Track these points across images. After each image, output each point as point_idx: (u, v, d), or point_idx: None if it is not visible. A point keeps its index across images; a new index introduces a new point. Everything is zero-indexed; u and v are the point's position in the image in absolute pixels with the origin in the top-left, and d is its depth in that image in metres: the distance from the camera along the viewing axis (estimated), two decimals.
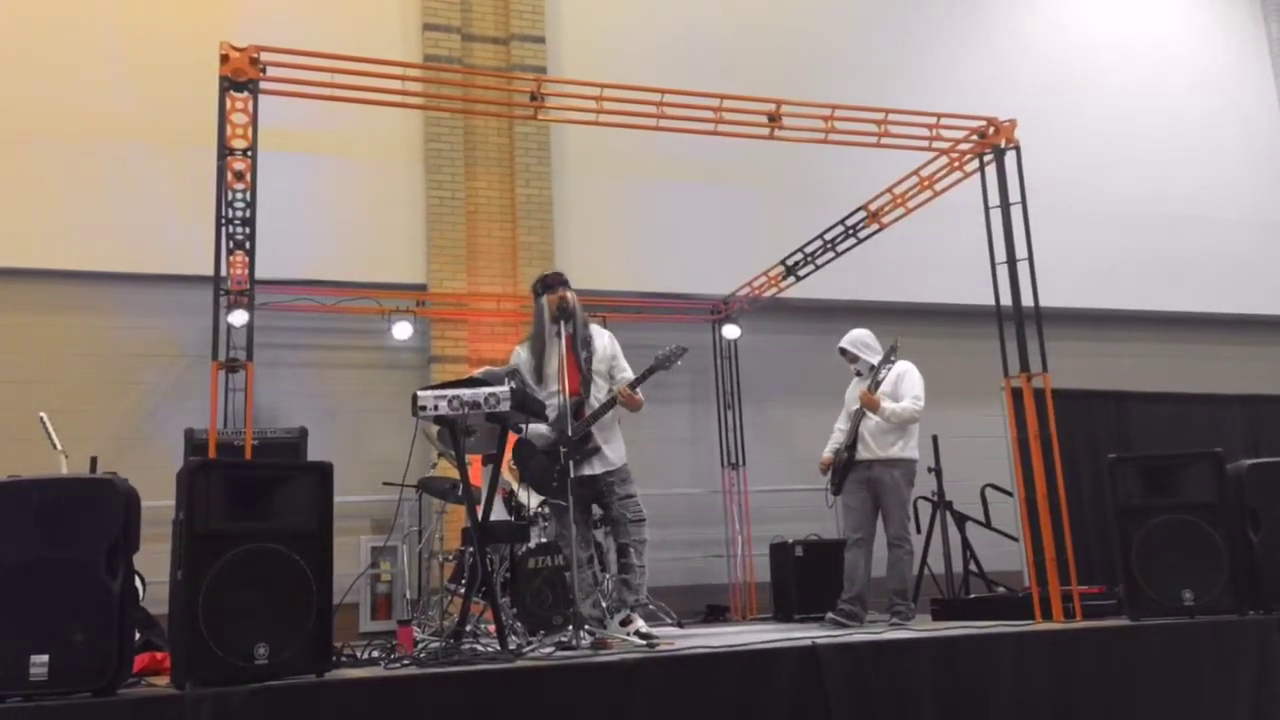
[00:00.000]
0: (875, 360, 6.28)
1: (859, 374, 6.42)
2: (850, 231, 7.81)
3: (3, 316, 7.88)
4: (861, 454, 6.18)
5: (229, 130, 5.32)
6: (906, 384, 6.18)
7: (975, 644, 4.36)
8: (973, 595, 7.26)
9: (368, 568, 7.91)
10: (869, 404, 6.10)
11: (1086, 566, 5.98)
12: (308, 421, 7.33)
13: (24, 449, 6.45)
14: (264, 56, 5.35)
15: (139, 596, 3.92)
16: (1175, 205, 11.11)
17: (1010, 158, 6.16)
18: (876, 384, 6.14)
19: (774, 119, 6.20)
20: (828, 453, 6.46)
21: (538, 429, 5.24)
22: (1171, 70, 11.55)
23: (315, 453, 6.68)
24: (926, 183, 6.96)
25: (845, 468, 6.25)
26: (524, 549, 5.52)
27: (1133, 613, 4.95)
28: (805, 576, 7.56)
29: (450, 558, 6.51)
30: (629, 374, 5.43)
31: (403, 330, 8.47)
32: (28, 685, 3.21)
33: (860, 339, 6.43)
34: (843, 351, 6.45)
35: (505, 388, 4.37)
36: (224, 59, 5.27)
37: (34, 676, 3.22)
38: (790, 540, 7.82)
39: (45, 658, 3.23)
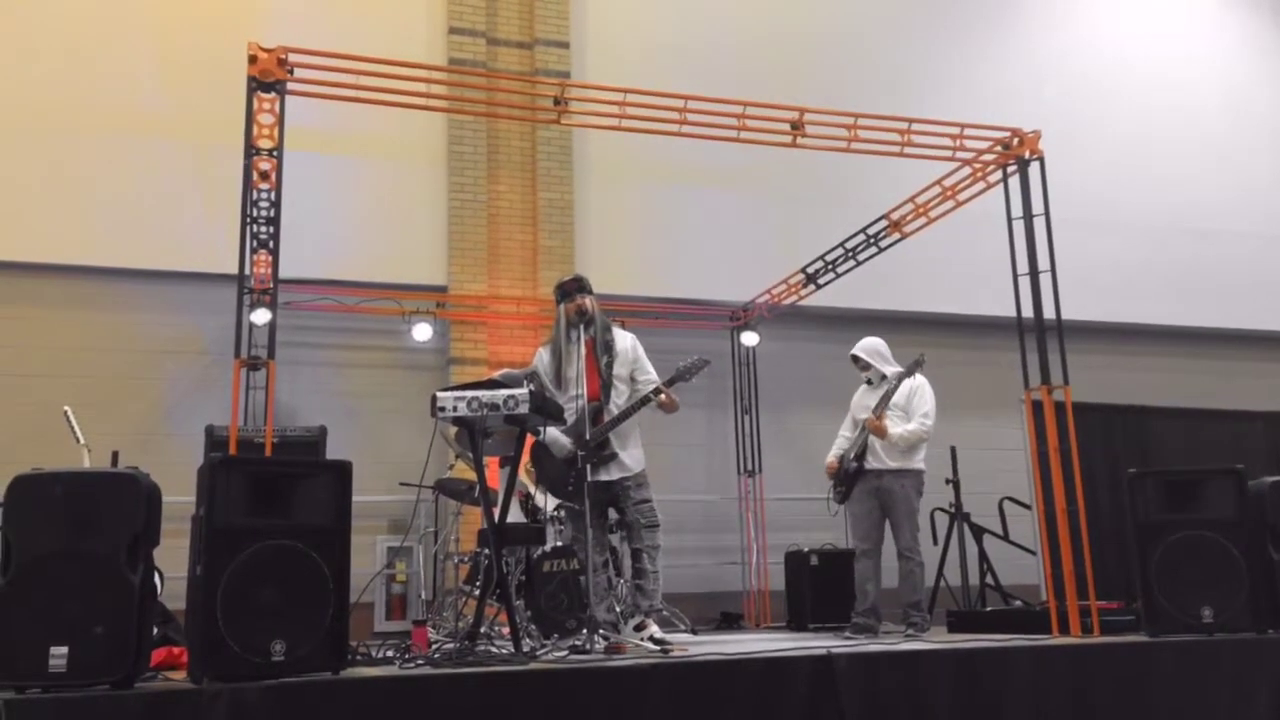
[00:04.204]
0: (888, 370, 6.25)
1: (869, 382, 6.38)
2: (872, 240, 7.79)
3: (28, 311, 7.96)
4: (871, 463, 6.14)
5: (255, 130, 5.36)
6: (918, 401, 6.14)
7: (991, 657, 4.34)
8: (989, 608, 7.21)
9: (384, 567, 7.94)
10: (876, 431, 6.05)
11: (1105, 582, 5.93)
12: (327, 420, 7.38)
13: (48, 442, 6.51)
14: (291, 58, 5.40)
15: (157, 591, 3.94)
16: (1200, 219, 11.03)
17: (1034, 169, 6.13)
18: (889, 395, 6.11)
19: (797, 127, 6.20)
20: (832, 458, 6.41)
21: (557, 438, 5.24)
22: (1198, 84, 11.48)
23: (334, 451, 6.73)
24: (949, 192, 6.94)
25: (854, 477, 6.22)
26: (539, 552, 5.53)
27: (1151, 629, 4.92)
28: (820, 585, 7.54)
29: (466, 559, 6.53)
30: (652, 376, 5.42)
31: (422, 331, 8.51)
32: (47, 676, 3.24)
33: (874, 347, 6.39)
34: (855, 359, 6.41)
35: (524, 390, 4.38)
36: (252, 59, 5.31)
37: (53, 668, 3.24)
38: (805, 549, 7.80)
39: (65, 649, 3.25)
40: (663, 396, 5.24)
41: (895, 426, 6.06)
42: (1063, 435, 5.70)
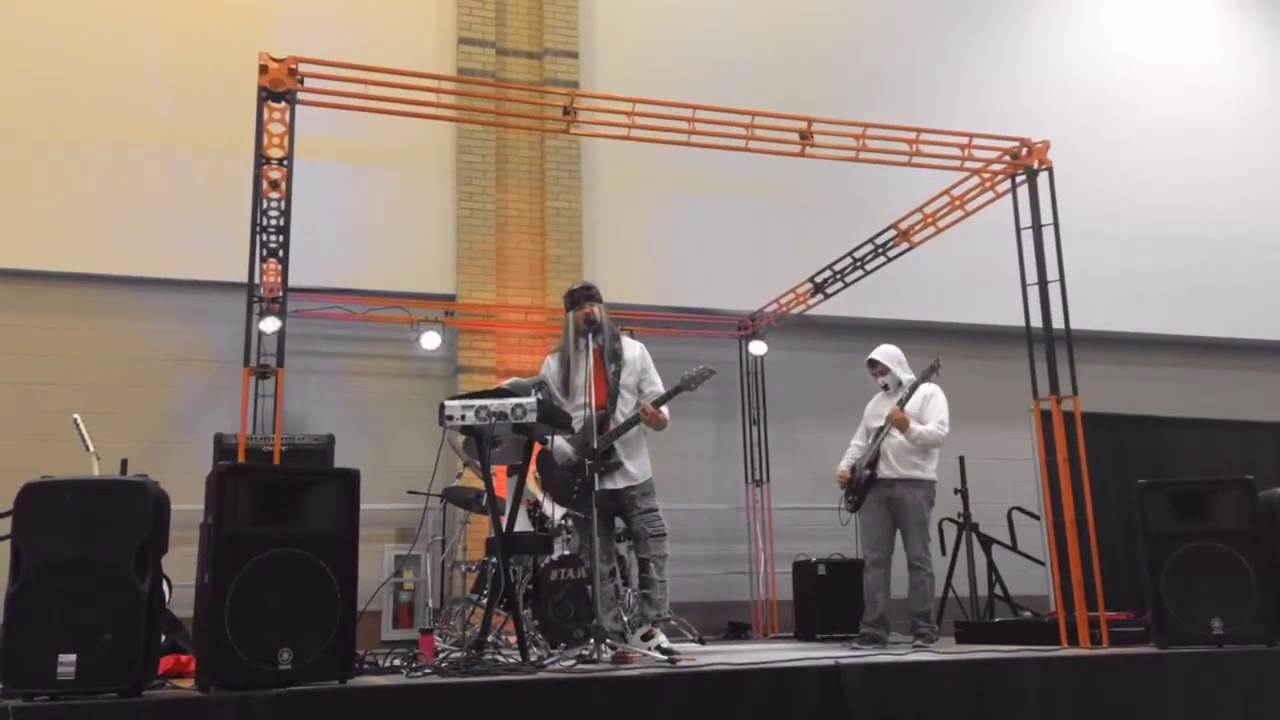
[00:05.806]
0: (905, 377, 6.25)
1: (885, 388, 6.36)
2: (880, 250, 7.78)
3: (38, 319, 8.00)
4: (883, 472, 6.12)
5: (266, 139, 5.39)
6: (932, 408, 6.13)
7: (1000, 668, 4.32)
8: (998, 619, 7.19)
9: (391, 576, 7.94)
10: (899, 422, 6.03)
11: (1114, 592, 5.91)
12: (335, 429, 7.39)
13: (57, 450, 6.53)
14: (302, 68, 5.43)
15: (165, 599, 3.96)
16: (1210, 229, 11.00)
17: (1043, 179, 6.13)
18: (903, 402, 6.09)
19: (805, 136, 6.21)
20: (844, 467, 6.40)
21: (560, 445, 5.25)
22: (1208, 93, 11.46)
23: (342, 460, 6.73)
24: (957, 202, 6.94)
25: (866, 486, 6.20)
26: (547, 561, 5.52)
27: (1160, 640, 4.90)
28: (828, 595, 7.52)
29: (473, 568, 6.53)
30: (658, 388, 5.43)
31: (431, 340, 8.53)
32: (55, 684, 3.24)
33: (892, 354, 6.39)
34: (872, 364, 6.40)
35: (532, 399, 4.39)
36: (263, 69, 5.34)
37: (61, 675, 3.24)
38: (813, 559, 7.79)
39: (73, 657, 3.26)
40: (648, 412, 5.23)
41: (914, 424, 6.04)
42: (1071, 445, 5.68)
